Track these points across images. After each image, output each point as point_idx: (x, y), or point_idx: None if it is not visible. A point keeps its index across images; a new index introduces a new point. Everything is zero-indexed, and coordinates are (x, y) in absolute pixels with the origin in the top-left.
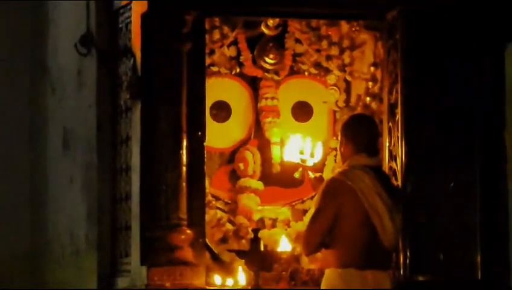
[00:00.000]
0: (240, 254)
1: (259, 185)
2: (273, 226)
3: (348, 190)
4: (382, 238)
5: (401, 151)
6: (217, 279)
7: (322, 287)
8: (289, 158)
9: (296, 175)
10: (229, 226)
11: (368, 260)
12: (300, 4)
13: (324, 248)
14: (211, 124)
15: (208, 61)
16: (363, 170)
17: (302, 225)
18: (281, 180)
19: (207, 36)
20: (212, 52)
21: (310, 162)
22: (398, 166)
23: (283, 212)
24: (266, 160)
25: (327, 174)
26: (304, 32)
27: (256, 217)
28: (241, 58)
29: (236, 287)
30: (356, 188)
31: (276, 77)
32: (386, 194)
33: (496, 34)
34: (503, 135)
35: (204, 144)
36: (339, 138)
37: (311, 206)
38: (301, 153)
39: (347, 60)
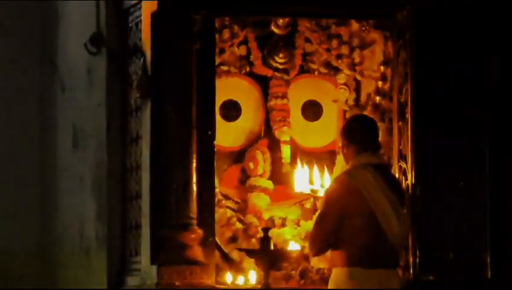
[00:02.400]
0: (250, 252)
1: (269, 184)
2: (283, 225)
3: (353, 189)
4: (388, 236)
5: (410, 151)
6: (228, 277)
7: (329, 286)
8: (300, 189)
9: (307, 205)
10: (238, 225)
11: (374, 259)
12: (310, 3)
13: (331, 248)
14: (220, 123)
15: (217, 60)
16: (366, 169)
17: (311, 224)
18: (291, 179)
19: (217, 35)
20: (222, 51)
21: (320, 193)
22: (407, 165)
23: (293, 211)
24: (276, 159)
25: (337, 173)
26: (314, 31)
27: (265, 216)
28: (251, 57)
29: (246, 286)
30: (361, 186)
31: (286, 76)
32: (391, 191)
33: (506, 34)
34: None
35: (214, 143)
36: (341, 141)
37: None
38: (311, 183)
39: (357, 59)
